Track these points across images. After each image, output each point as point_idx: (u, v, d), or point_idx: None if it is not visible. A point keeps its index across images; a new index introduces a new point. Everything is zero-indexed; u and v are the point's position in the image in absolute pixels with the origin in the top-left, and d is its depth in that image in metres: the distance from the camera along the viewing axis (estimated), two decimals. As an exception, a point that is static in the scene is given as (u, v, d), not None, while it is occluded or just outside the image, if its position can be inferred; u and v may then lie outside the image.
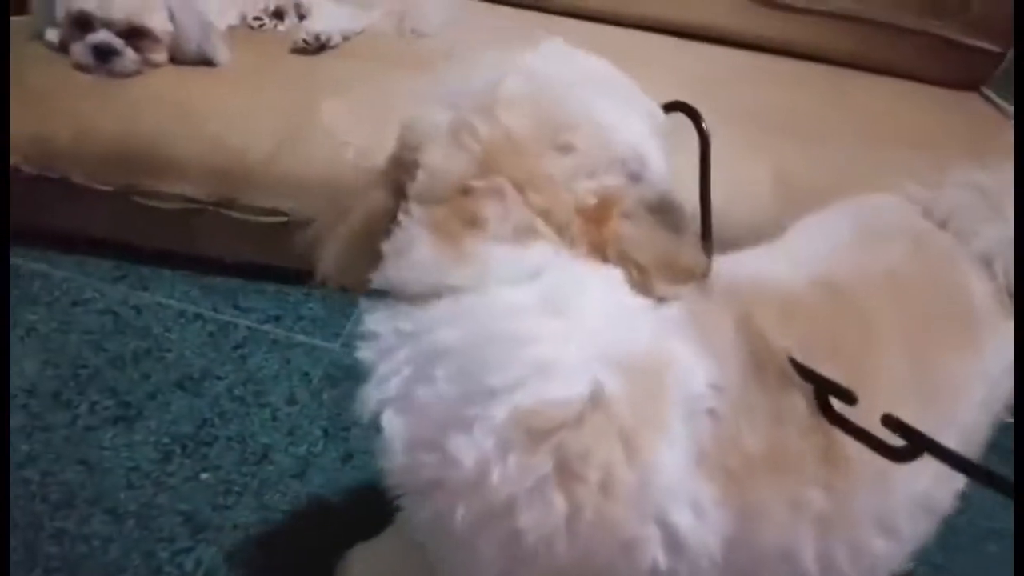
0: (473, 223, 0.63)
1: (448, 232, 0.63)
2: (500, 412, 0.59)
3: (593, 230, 0.64)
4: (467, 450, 0.59)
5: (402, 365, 0.63)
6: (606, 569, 0.62)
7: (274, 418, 1.30)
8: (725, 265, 0.73)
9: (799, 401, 0.65)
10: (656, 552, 0.61)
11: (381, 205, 0.70)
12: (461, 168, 0.64)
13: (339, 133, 1.50)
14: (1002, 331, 0.83)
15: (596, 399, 0.59)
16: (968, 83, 2.11)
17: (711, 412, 0.62)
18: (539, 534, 0.60)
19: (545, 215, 0.63)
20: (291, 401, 1.33)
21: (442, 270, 0.63)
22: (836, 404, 0.64)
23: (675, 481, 0.61)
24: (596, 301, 0.63)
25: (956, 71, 2.08)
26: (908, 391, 0.73)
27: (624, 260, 0.65)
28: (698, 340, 0.64)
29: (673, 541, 0.61)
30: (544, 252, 0.63)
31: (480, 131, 0.65)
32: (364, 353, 0.66)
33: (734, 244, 0.82)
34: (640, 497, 0.60)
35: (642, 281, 0.65)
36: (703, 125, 0.80)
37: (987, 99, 2.07)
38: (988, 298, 0.83)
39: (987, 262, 0.85)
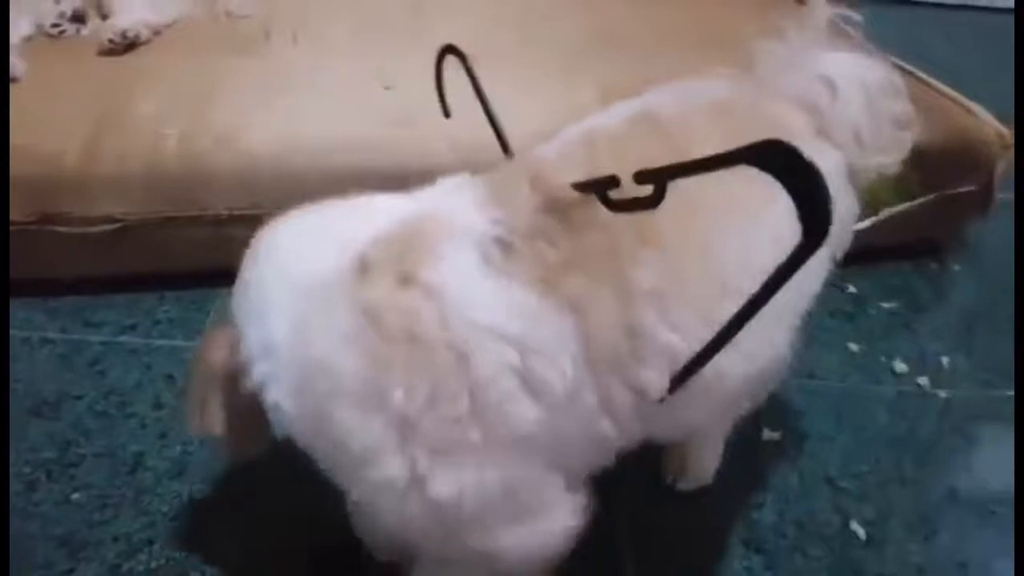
0: None
1: None
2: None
3: None
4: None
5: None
6: (468, 389, 0.68)
7: (143, 425, 1.26)
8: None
9: (598, 212, 0.70)
10: (505, 356, 0.68)
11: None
12: None
13: (158, 125, 1.45)
14: (819, 148, 0.90)
15: (363, 262, 0.70)
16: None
17: (499, 240, 0.71)
18: (371, 381, 0.67)
19: None
20: (158, 406, 1.29)
21: None
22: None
23: (478, 297, 0.69)
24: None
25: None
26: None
27: None
28: (484, 194, 0.76)
29: (521, 346, 0.69)
30: None
31: None
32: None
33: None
34: (442, 316, 0.68)
35: None
36: (468, 64, 0.95)
37: (797, -2, 2.18)
38: (806, 126, 0.91)
39: (804, 104, 0.93)
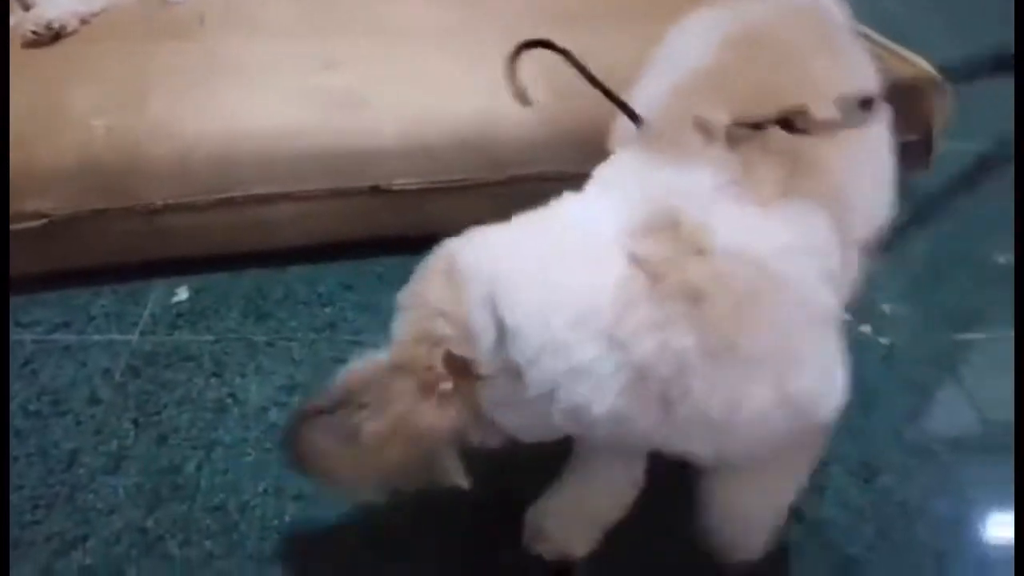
0: None
1: None
2: None
3: None
4: None
5: None
6: (797, 303, 0.75)
7: (78, 422, 1.24)
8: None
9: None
10: (807, 262, 0.76)
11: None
12: None
13: (88, 117, 1.42)
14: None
15: (645, 265, 0.72)
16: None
17: (732, 182, 0.77)
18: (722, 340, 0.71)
19: None
20: (94, 401, 1.27)
21: None
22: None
23: (763, 230, 0.75)
24: None
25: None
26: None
27: None
28: (668, 159, 0.81)
29: (814, 249, 0.77)
30: None
31: None
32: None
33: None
34: (754, 265, 0.72)
35: None
36: (559, 47, 0.98)
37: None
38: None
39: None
